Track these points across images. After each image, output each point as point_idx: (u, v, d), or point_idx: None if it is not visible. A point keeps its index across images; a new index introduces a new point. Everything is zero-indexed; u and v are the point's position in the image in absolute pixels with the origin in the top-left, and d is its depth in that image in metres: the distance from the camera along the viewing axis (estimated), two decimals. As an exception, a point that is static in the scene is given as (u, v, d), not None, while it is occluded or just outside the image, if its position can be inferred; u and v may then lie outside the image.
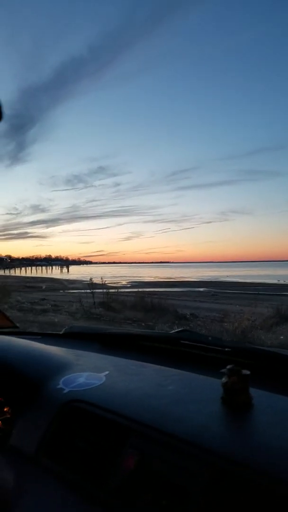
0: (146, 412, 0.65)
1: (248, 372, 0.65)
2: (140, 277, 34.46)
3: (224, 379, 0.67)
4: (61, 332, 1.31)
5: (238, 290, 18.45)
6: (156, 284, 23.77)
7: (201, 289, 20.18)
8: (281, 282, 23.91)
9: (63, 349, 1.05)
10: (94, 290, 10.56)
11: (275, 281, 24.73)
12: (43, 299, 11.56)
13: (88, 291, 10.80)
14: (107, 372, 0.83)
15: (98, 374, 0.82)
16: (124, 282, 25.10)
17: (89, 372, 0.83)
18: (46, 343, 1.11)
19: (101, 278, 12.32)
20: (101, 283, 12.05)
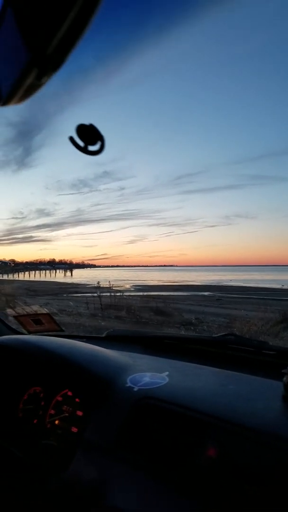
0: (218, 408, 0.71)
1: None
2: (144, 280, 34.46)
3: (285, 379, 0.74)
4: (103, 335, 1.38)
5: (242, 295, 18.42)
6: (160, 288, 23.79)
7: (205, 293, 20.13)
8: (286, 287, 23.84)
9: (113, 350, 1.12)
10: (101, 294, 10.75)
11: (279, 286, 24.68)
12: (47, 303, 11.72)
13: (95, 294, 10.98)
14: (167, 373, 0.90)
15: (160, 374, 0.89)
16: (127, 286, 25.12)
17: (151, 372, 0.90)
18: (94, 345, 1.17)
19: (109, 282, 12.48)
20: (108, 286, 12.22)
